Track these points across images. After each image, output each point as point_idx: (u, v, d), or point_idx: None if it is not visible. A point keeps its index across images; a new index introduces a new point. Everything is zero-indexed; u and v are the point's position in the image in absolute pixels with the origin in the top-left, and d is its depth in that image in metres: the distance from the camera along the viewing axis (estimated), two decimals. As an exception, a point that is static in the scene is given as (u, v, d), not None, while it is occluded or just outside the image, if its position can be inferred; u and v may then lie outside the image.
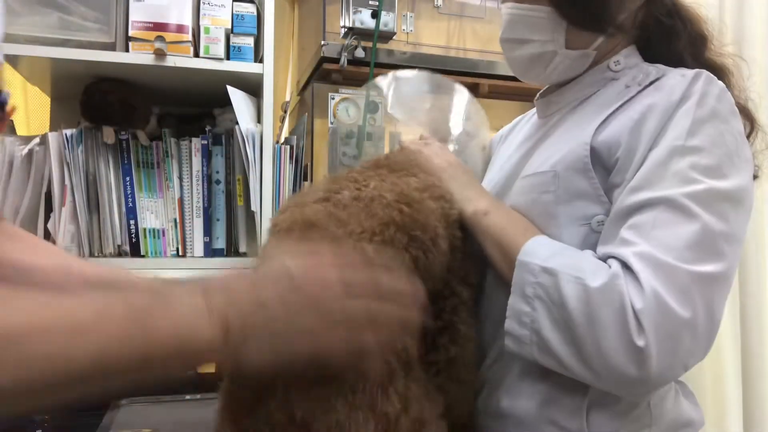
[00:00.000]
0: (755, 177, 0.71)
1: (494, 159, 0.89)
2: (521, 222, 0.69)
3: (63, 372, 0.40)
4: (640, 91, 0.67)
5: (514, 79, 0.80)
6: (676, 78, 0.65)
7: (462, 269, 0.70)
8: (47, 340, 0.40)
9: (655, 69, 0.69)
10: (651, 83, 0.67)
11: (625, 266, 0.57)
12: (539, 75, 0.75)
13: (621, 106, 0.67)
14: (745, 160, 0.63)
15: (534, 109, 0.86)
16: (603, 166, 0.65)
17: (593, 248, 0.64)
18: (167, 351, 0.44)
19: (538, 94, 0.84)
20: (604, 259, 0.60)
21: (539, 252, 0.62)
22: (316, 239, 0.57)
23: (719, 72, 0.71)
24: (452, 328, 0.67)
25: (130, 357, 0.42)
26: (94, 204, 1.18)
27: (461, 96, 1.01)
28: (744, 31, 1.61)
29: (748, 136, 0.70)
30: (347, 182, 0.66)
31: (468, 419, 0.71)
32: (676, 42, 0.73)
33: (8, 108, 0.72)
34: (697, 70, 0.65)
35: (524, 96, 1.48)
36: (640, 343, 0.54)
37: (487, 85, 1.49)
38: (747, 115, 0.71)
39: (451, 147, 0.93)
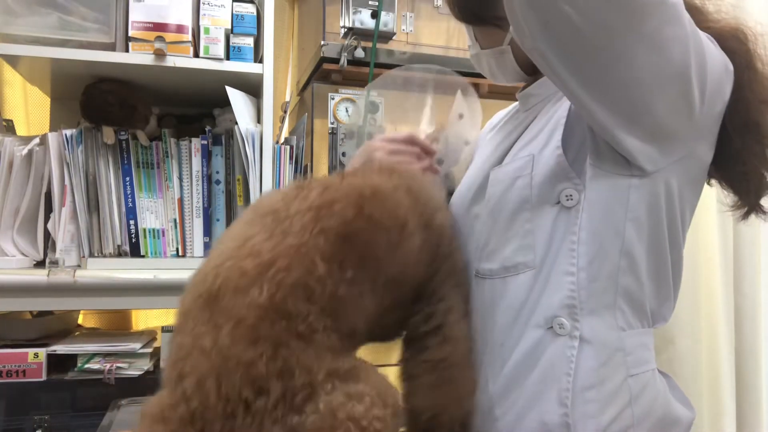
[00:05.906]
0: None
1: (479, 153, 0.90)
2: None
3: None
4: None
5: (513, 79, 0.82)
6: None
7: (448, 267, 0.71)
8: None
9: None
10: None
11: None
12: (489, 77, 0.84)
13: None
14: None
15: (516, 104, 0.87)
16: (573, 139, 0.67)
17: (563, 226, 0.66)
18: None
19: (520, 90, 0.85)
20: None
21: None
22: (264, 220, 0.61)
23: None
24: (444, 329, 0.68)
25: None
26: (94, 204, 1.18)
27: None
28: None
29: None
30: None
31: (462, 424, 0.69)
32: None
33: None
34: None
35: (524, 96, 1.48)
36: None
37: (487, 85, 1.49)
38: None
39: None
